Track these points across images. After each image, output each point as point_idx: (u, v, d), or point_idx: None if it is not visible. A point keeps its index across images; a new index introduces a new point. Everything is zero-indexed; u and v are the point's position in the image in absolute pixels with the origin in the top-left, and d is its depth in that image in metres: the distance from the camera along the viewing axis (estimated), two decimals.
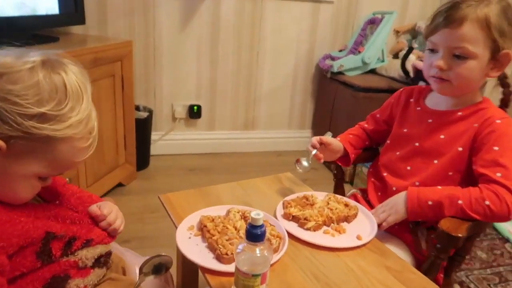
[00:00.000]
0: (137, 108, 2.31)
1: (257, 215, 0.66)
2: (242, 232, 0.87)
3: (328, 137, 1.15)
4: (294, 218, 0.98)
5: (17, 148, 0.59)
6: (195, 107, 2.53)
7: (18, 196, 0.64)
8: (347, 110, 2.41)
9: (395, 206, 0.97)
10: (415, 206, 0.94)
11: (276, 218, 0.98)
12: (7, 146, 0.58)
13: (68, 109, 0.61)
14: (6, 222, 0.60)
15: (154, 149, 2.51)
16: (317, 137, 1.14)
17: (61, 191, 0.76)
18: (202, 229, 0.90)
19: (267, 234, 0.87)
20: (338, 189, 1.31)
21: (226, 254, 0.81)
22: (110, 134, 1.98)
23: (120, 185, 2.13)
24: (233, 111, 2.65)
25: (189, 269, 1.11)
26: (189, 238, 0.89)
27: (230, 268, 0.77)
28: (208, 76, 2.52)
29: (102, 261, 0.77)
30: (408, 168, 1.06)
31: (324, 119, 2.66)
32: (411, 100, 1.13)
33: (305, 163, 1.11)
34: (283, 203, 1.03)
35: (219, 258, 0.81)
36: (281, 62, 2.62)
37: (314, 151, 1.11)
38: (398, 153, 1.10)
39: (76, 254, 0.70)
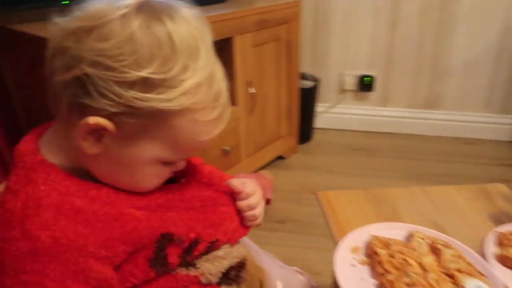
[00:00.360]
0: (303, 77, 2.13)
1: None
2: (432, 278, 0.60)
3: None
4: None
5: (127, 128, 0.44)
6: (367, 78, 2.22)
7: (140, 185, 0.50)
8: None
9: None
10: None
11: (485, 259, 0.66)
12: (115, 127, 0.44)
13: (179, 70, 0.43)
14: (114, 220, 0.46)
15: (319, 122, 2.32)
16: None
17: (190, 170, 0.61)
18: (372, 257, 0.66)
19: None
20: None
21: None
22: (273, 103, 1.87)
23: (280, 158, 2.03)
24: (413, 85, 2.23)
25: None
26: (353, 266, 0.66)
27: None
28: (385, 41, 2.15)
29: (232, 275, 0.59)
30: None
31: None
32: None
33: None
34: (497, 237, 0.70)
35: None
36: (482, 27, 2.04)
37: None
38: None
39: (197, 266, 0.54)
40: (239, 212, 0.60)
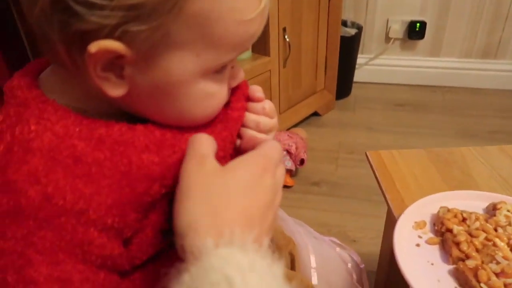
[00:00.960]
0: (344, 24, 1.91)
1: None
2: None
3: None
4: None
5: (142, 43, 0.32)
6: (418, 24, 1.96)
7: (195, 115, 0.38)
8: None
9: None
10: None
11: None
12: (127, 46, 0.31)
13: None
14: (123, 175, 0.34)
15: (359, 75, 2.11)
16: None
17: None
18: (444, 235, 0.51)
19: None
20: None
21: None
22: (309, 54, 1.69)
23: (315, 114, 1.86)
24: (470, 31, 1.95)
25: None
26: (418, 246, 0.51)
27: None
28: None
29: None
30: None
31: None
32: None
33: None
34: None
35: None
36: None
37: None
38: None
39: None
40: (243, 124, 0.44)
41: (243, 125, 0.44)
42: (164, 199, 0.36)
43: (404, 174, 0.65)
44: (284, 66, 1.57)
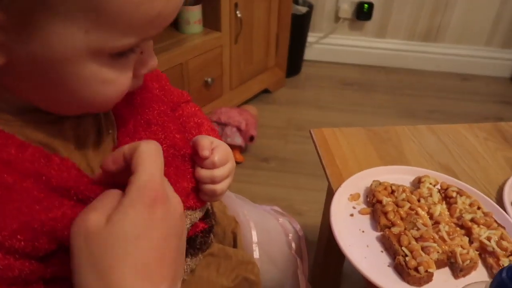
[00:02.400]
0: (296, 1, 1.93)
1: None
2: (443, 230, 0.51)
3: None
4: None
5: (14, 7, 0.27)
6: (366, 5, 2.02)
7: (85, 100, 0.33)
8: None
9: None
10: None
11: (505, 210, 0.57)
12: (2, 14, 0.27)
13: None
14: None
15: (309, 54, 2.15)
16: None
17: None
18: (374, 206, 0.56)
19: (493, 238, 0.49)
20: None
21: (416, 270, 0.46)
22: (261, 31, 1.69)
23: (266, 91, 1.89)
24: (414, 15, 2.05)
25: (335, 255, 0.80)
26: (351, 216, 0.56)
27: None
28: None
29: (198, 243, 0.48)
30: None
31: None
32: None
33: None
34: None
35: (400, 270, 0.48)
36: None
37: None
38: None
39: None
40: (198, 180, 0.46)
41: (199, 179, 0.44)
42: None
43: (344, 151, 0.70)
44: (236, 42, 1.57)
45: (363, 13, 2.04)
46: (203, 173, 0.45)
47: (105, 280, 0.27)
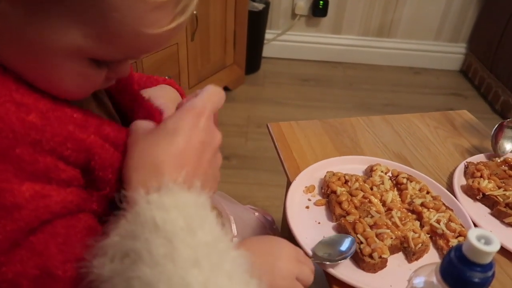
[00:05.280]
0: None
1: (485, 241, 0.29)
2: (395, 216, 0.52)
3: None
4: (487, 199, 0.58)
5: None
6: (321, 2, 2.05)
7: (58, 87, 0.35)
8: None
9: None
10: None
11: (453, 193, 0.59)
12: None
13: None
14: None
15: (267, 51, 2.16)
16: None
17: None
18: (329, 196, 0.56)
19: (438, 225, 0.51)
20: None
21: (371, 256, 0.47)
22: (218, 28, 1.68)
23: (225, 89, 1.87)
24: (367, 11, 2.10)
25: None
26: (307, 208, 0.56)
27: (375, 279, 0.44)
28: None
29: None
30: None
31: (489, 37, 1.98)
32: None
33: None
34: (466, 167, 0.63)
35: (356, 258, 0.48)
36: None
37: None
38: None
39: None
40: None
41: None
42: None
43: (301, 144, 0.70)
44: (192, 40, 1.54)
45: (318, 10, 2.07)
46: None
47: (147, 159, 0.33)
